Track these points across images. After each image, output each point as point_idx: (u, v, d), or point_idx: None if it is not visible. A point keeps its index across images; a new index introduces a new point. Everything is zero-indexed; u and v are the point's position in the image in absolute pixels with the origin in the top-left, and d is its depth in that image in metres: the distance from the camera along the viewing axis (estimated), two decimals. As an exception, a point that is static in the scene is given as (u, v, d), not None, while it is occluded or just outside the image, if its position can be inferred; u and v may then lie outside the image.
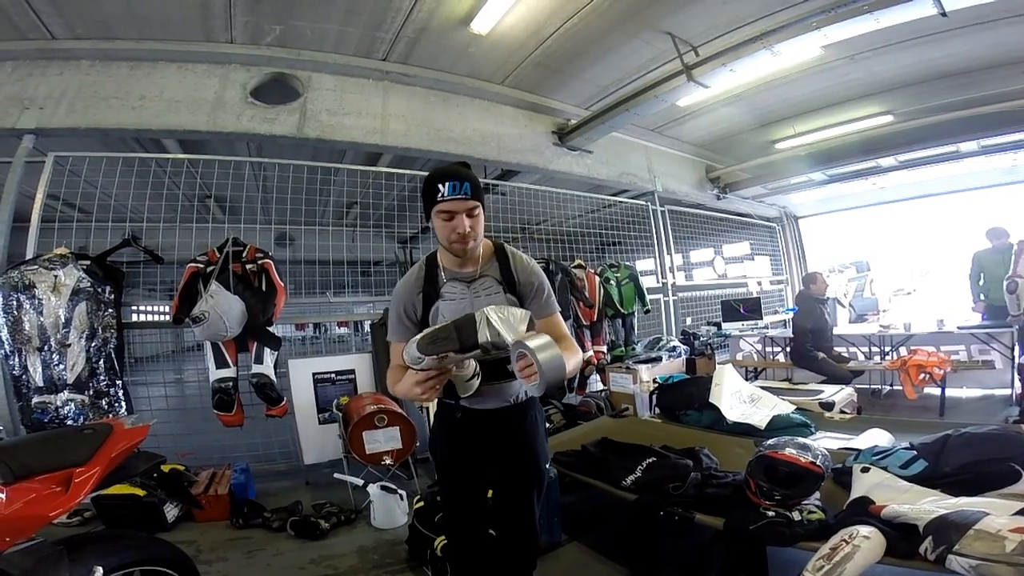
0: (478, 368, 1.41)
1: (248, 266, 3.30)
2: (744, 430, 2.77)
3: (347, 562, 2.47)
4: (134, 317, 3.86)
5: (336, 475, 2.93)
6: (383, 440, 2.85)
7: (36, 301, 2.93)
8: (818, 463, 1.88)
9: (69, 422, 2.85)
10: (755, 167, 7.47)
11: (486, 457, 1.51)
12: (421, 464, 3.54)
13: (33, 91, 3.59)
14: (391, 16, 3.74)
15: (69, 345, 2.96)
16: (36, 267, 3.01)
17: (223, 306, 3.00)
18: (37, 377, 2.89)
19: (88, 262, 3.15)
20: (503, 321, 1.19)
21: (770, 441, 2.06)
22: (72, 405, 2.90)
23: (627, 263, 5.60)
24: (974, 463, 1.80)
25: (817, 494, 1.85)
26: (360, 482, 2.82)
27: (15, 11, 3.30)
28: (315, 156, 4.47)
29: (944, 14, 3.47)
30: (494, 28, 3.93)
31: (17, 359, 2.90)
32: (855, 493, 1.83)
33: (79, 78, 3.69)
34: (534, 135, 5.27)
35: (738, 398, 3.00)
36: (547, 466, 1.61)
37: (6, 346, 2.90)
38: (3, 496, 1.15)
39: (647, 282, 5.91)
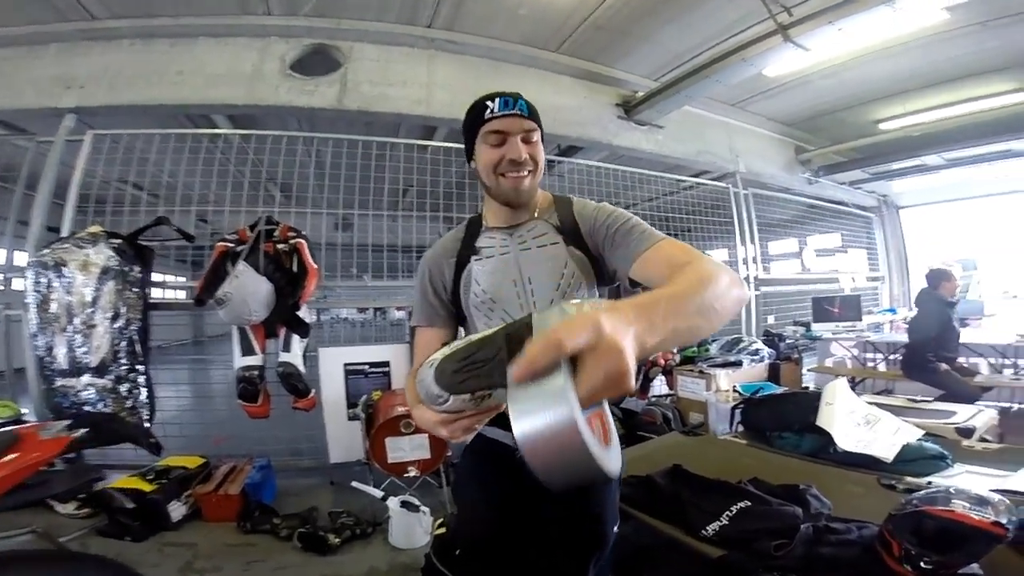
0: None
1: (280, 246, 3.05)
2: (861, 461, 2.16)
3: (352, 585, 2.13)
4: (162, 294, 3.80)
5: (355, 484, 2.60)
6: (408, 448, 2.47)
7: (65, 280, 2.83)
8: (1003, 522, 1.30)
9: (88, 408, 2.71)
10: (853, 149, 6.49)
11: (539, 512, 1.10)
12: (454, 470, 3.15)
13: (76, 71, 3.59)
14: (434, -25, 3.38)
15: (95, 326, 2.84)
16: (67, 245, 2.91)
17: (248, 287, 2.75)
18: (61, 359, 2.78)
19: (119, 241, 2.99)
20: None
21: (924, 492, 1.48)
22: (92, 390, 2.77)
23: (705, 252, 4.91)
24: None
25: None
26: (380, 494, 2.47)
27: (51, -8, 3.26)
28: (368, 133, 4.17)
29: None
30: (548, -17, 3.46)
31: (43, 339, 2.80)
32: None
33: (120, 57, 3.67)
34: (596, 107, 4.73)
35: (852, 420, 2.37)
36: (615, 529, 1.19)
37: (34, 325, 2.80)
38: None
39: (725, 274, 5.19)
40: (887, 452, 2.15)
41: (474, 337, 0.76)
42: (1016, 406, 4.36)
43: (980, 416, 2.84)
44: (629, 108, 4.83)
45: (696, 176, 5.80)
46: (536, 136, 1.09)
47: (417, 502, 2.36)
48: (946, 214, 8.50)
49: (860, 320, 5.55)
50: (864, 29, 3.47)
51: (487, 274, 1.12)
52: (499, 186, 1.08)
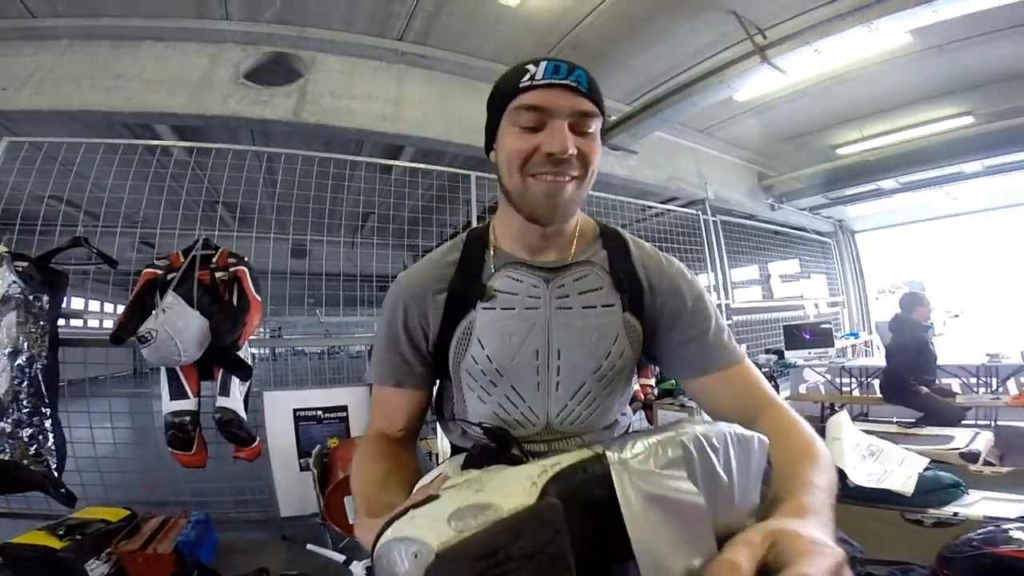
0: None
1: (218, 274, 2.65)
2: (875, 496, 2.00)
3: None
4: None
5: (310, 547, 2.20)
6: None
7: (-44, 311, 2.35)
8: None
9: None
10: (813, 175, 6.63)
11: None
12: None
13: (1, 72, 3.22)
14: (407, -16, 3.20)
15: (-10, 364, 2.36)
16: (-39, 270, 2.44)
17: (176, 324, 2.35)
18: (-51, 402, 2.28)
19: (26, 264, 2.54)
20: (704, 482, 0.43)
21: (982, 532, 1.40)
22: (-13, 435, 2.28)
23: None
24: None
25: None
26: (341, 558, 2.09)
27: (-13, -13, 2.95)
28: (328, 152, 3.88)
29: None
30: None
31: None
32: None
33: (53, 58, 3.30)
34: (570, 130, 4.59)
35: (858, 453, 2.21)
36: None
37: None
38: None
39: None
40: (905, 485, 2.00)
41: (498, 505, 0.42)
42: (994, 423, 4.38)
43: (980, 439, 2.74)
44: (603, 132, 4.67)
45: (665, 203, 5.76)
46: (594, 126, 0.75)
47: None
48: (896, 237, 8.83)
49: (832, 346, 5.53)
50: (840, 51, 3.49)
51: (499, 334, 0.78)
52: (525, 191, 0.74)
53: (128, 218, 3.20)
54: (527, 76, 0.71)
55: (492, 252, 0.83)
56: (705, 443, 0.43)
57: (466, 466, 0.66)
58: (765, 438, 0.49)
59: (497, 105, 0.76)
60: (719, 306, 5.13)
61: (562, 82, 0.71)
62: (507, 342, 0.78)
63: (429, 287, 0.82)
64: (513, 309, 0.79)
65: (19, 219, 2.77)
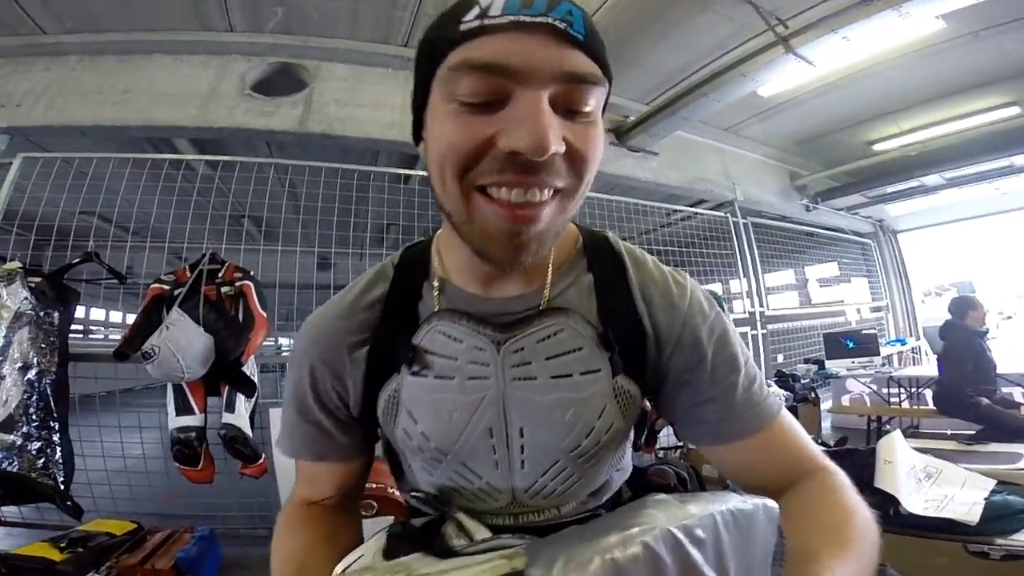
0: None
1: (224, 289, 2.60)
2: (932, 524, 1.77)
3: None
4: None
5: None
6: (369, 533, 1.98)
7: (-31, 326, 2.38)
8: None
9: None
10: (848, 173, 6.30)
11: None
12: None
13: (14, 88, 3.29)
14: (406, -13, 3.14)
15: (2, 378, 2.38)
16: (-24, 285, 2.47)
17: (180, 340, 2.30)
18: (-40, 416, 2.30)
19: (38, 279, 2.56)
20: None
21: None
22: (-4, 447, 2.29)
23: (710, 288, 4.53)
24: None
25: None
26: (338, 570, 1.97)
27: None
28: (346, 162, 3.83)
29: None
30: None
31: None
32: None
33: (64, 73, 3.37)
34: (585, 132, 4.45)
35: (914, 477, 1.97)
36: None
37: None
38: None
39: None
40: (969, 513, 1.77)
41: None
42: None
43: (1055, 459, 2.45)
44: (621, 133, 4.58)
45: (693, 205, 5.53)
46: (593, 101, 0.46)
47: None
48: (941, 236, 8.36)
49: (877, 354, 5.16)
50: (869, 39, 3.26)
51: (434, 410, 0.58)
52: (470, 214, 0.48)
53: (141, 232, 3.23)
54: (474, 12, 0.43)
55: (436, 284, 0.61)
56: (684, 538, 0.29)
57: (388, 551, 0.52)
58: (774, 505, 0.34)
59: (425, 66, 0.48)
60: (752, 315, 4.85)
61: (538, 20, 0.42)
62: (446, 419, 0.58)
63: (343, 341, 0.61)
64: (451, 379, 0.57)
65: (34, 233, 2.81)
